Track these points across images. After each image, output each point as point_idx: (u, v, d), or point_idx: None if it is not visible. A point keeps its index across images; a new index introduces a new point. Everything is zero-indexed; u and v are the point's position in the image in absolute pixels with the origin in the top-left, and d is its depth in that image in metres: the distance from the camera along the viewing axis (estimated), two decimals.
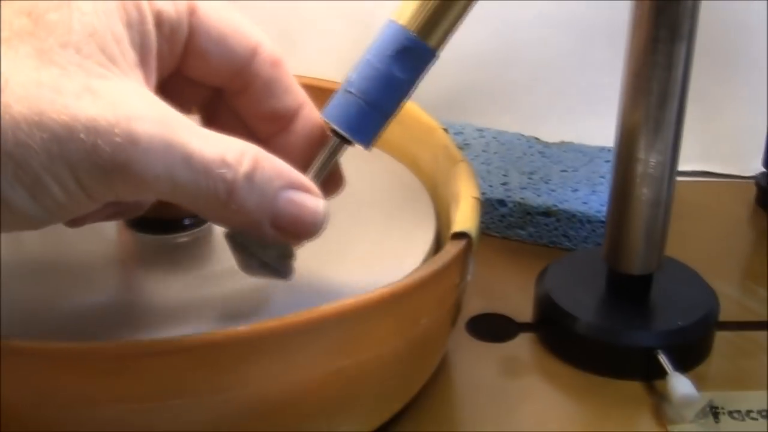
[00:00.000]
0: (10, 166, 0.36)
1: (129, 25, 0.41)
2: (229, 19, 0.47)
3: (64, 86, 0.37)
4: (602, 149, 0.84)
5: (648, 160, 0.59)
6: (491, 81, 0.94)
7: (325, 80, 0.67)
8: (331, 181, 0.49)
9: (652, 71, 0.57)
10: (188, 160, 0.39)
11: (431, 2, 0.48)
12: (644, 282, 0.63)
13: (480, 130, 0.87)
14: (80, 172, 0.37)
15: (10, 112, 0.36)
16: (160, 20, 0.43)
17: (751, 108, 0.92)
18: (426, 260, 0.56)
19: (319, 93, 0.56)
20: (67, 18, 0.39)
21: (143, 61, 0.43)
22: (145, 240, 0.56)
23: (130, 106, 0.38)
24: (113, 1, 0.40)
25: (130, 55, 0.41)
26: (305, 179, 0.44)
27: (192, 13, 0.45)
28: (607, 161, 0.82)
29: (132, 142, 0.37)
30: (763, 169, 0.85)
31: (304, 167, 0.47)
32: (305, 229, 0.44)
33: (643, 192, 0.60)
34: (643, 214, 0.61)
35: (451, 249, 0.52)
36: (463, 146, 0.84)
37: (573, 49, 0.93)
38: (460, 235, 0.53)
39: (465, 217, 0.54)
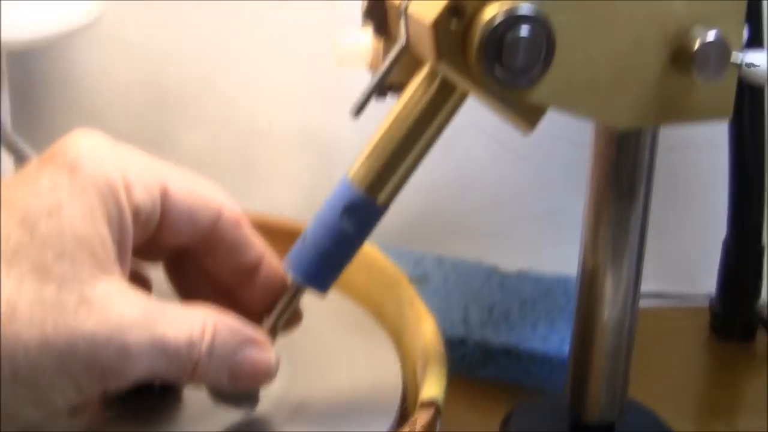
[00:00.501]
0: (24, 391, 0.39)
1: (110, 224, 0.44)
2: (195, 190, 0.49)
3: (63, 301, 0.40)
4: (559, 279, 0.86)
5: (607, 313, 0.61)
6: (448, 207, 0.96)
7: (285, 219, 0.70)
8: (290, 318, 0.54)
9: (609, 227, 0.59)
10: (165, 351, 0.43)
11: (379, 161, 0.51)
12: (606, 430, 0.64)
13: (439, 260, 0.88)
14: (81, 381, 0.41)
15: (22, 339, 0.39)
16: (137, 213, 0.46)
17: (703, 229, 0.95)
18: (394, 423, 0.56)
19: (280, 233, 0.58)
20: (58, 226, 0.41)
21: (121, 252, 0.45)
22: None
23: (121, 314, 0.42)
24: (96, 201, 0.43)
25: (112, 252, 0.44)
26: (257, 334, 0.48)
27: (164, 195, 0.47)
28: (565, 292, 0.84)
29: (126, 352, 0.41)
30: (715, 293, 0.87)
31: (266, 311, 0.52)
32: (259, 380, 0.48)
33: (604, 341, 0.61)
34: (604, 364, 0.62)
35: (421, 419, 0.52)
36: (422, 278, 0.85)
37: (529, 174, 0.95)
38: (428, 404, 0.53)
39: (432, 382, 0.55)
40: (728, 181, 0.81)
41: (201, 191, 0.50)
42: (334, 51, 0.58)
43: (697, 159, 0.94)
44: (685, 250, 0.97)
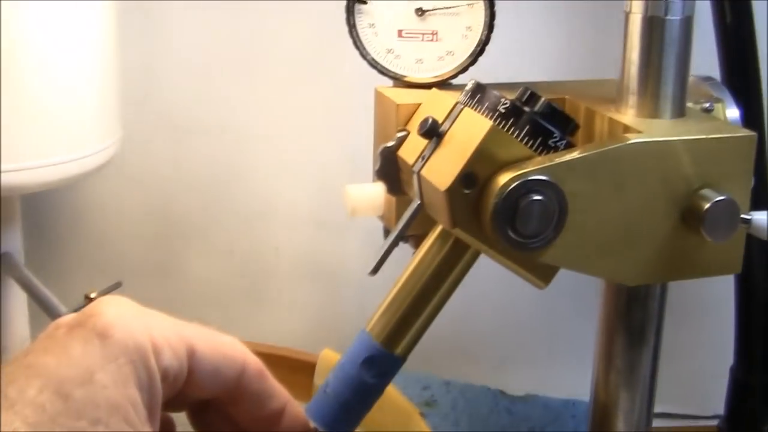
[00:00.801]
0: None
1: (141, 388, 0.44)
2: (219, 348, 0.50)
3: None
4: (566, 403, 0.86)
5: None
6: (455, 330, 0.96)
7: (291, 350, 0.72)
8: None
9: (619, 369, 0.60)
10: None
11: (396, 316, 0.52)
12: None
13: (447, 383, 0.89)
14: None
15: None
16: (165, 374, 0.47)
17: (711, 351, 0.95)
18: None
19: (287, 363, 0.58)
20: (92, 394, 0.42)
21: (151, 413, 0.46)
22: None
23: None
24: (127, 366, 0.44)
25: (143, 414, 0.44)
26: None
27: (190, 355, 0.48)
28: (573, 416, 0.84)
29: None
30: (723, 416, 0.87)
31: None
32: None
33: None
34: None
35: None
36: (431, 403, 0.86)
37: (535, 298, 0.95)
38: None
39: None
40: (734, 311, 0.82)
41: (224, 348, 0.51)
42: (346, 202, 0.59)
43: (706, 282, 0.95)
44: (694, 372, 0.97)
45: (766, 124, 0.73)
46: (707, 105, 0.56)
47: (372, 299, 0.54)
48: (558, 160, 0.47)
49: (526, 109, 0.48)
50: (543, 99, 0.48)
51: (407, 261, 0.53)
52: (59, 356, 0.43)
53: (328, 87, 0.94)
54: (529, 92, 0.48)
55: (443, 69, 0.60)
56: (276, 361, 0.56)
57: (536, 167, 0.47)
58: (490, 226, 0.47)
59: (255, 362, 0.52)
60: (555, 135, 0.48)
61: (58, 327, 0.45)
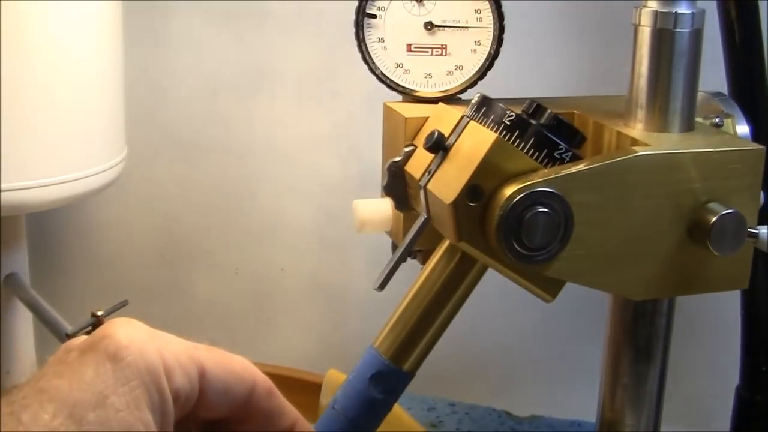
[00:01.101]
0: None
1: (153, 410, 0.45)
2: (229, 368, 0.50)
3: None
4: (572, 424, 0.86)
5: None
6: (460, 352, 0.96)
7: (297, 370, 0.74)
8: None
9: (626, 386, 0.60)
10: None
11: (404, 331, 0.52)
12: None
13: (452, 404, 0.89)
14: None
15: None
16: (177, 396, 0.47)
17: (716, 370, 0.95)
18: None
19: (292, 383, 0.57)
20: (105, 417, 0.42)
21: None
22: None
23: None
24: (139, 389, 0.44)
25: None
26: None
27: (201, 376, 0.48)
28: None
29: None
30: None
31: None
32: None
33: None
34: None
35: None
36: (436, 424, 0.85)
37: (540, 319, 0.95)
38: None
39: None
40: (740, 330, 0.82)
41: (234, 367, 0.51)
42: (354, 217, 0.59)
43: (712, 301, 0.95)
44: (699, 391, 0.97)
45: None
46: (717, 120, 0.56)
47: (377, 319, 0.54)
48: (564, 172, 0.47)
49: (532, 121, 0.48)
50: (549, 111, 0.48)
51: (412, 279, 0.53)
52: (72, 380, 0.43)
53: (334, 107, 0.94)
54: (535, 105, 0.48)
55: (452, 83, 0.60)
56: (281, 381, 0.56)
57: (542, 179, 0.47)
58: (496, 239, 0.47)
59: (264, 381, 0.51)
60: (561, 147, 0.48)
61: (69, 350, 0.45)
